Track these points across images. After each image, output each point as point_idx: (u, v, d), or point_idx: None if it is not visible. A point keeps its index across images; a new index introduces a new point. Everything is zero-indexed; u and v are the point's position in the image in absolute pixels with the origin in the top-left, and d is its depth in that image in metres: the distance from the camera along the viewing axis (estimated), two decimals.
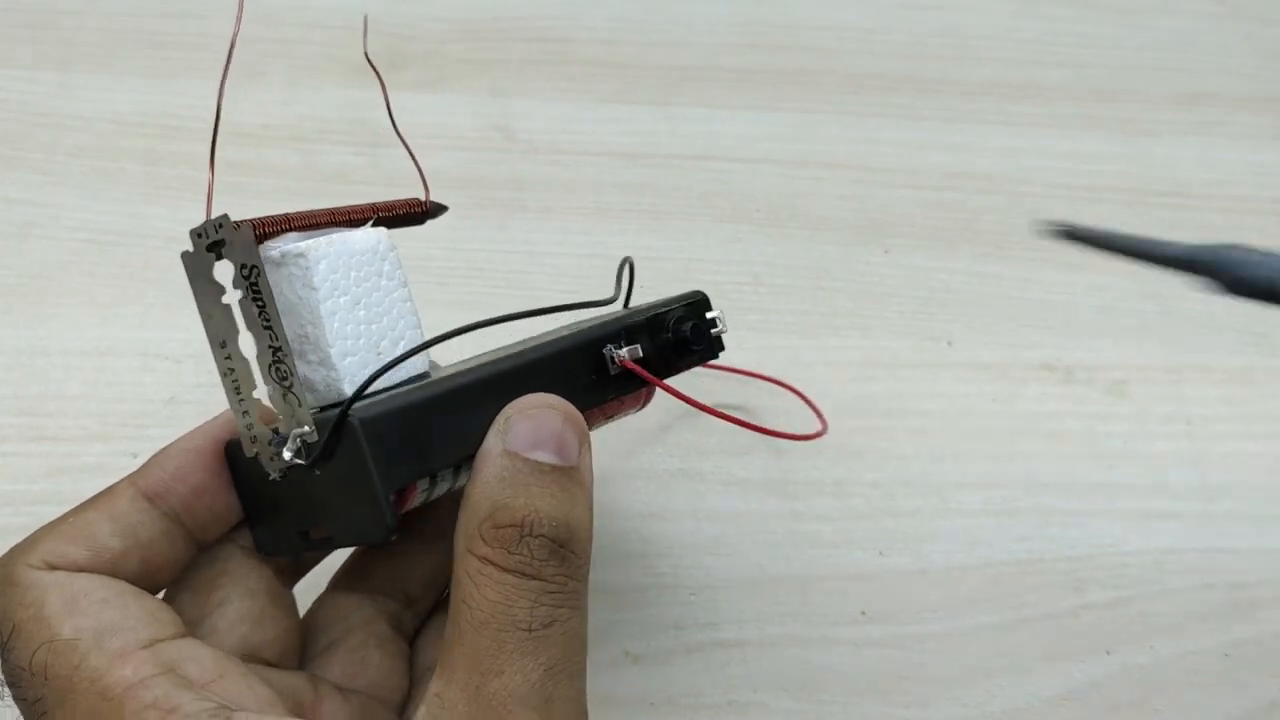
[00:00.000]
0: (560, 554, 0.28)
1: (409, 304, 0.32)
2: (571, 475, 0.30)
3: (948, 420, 0.45)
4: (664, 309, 0.35)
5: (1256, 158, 0.55)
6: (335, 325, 0.30)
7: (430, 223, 0.49)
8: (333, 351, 0.30)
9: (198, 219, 0.50)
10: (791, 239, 0.49)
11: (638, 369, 0.34)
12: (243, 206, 0.49)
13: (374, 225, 0.33)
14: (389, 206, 0.34)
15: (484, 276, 0.47)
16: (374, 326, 0.31)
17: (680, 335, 0.35)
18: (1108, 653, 0.40)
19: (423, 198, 0.35)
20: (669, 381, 0.34)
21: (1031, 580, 0.42)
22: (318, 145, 0.50)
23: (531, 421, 0.30)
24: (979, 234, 0.50)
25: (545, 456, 0.30)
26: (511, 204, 0.50)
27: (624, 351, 0.34)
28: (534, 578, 0.28)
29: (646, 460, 0.43)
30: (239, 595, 0.31)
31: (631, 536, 0.42)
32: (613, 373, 0.33)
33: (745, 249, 0.48)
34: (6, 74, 0.52)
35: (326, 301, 0.30)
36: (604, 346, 0.33)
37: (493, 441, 0.30)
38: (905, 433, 0.45)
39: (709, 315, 0.36)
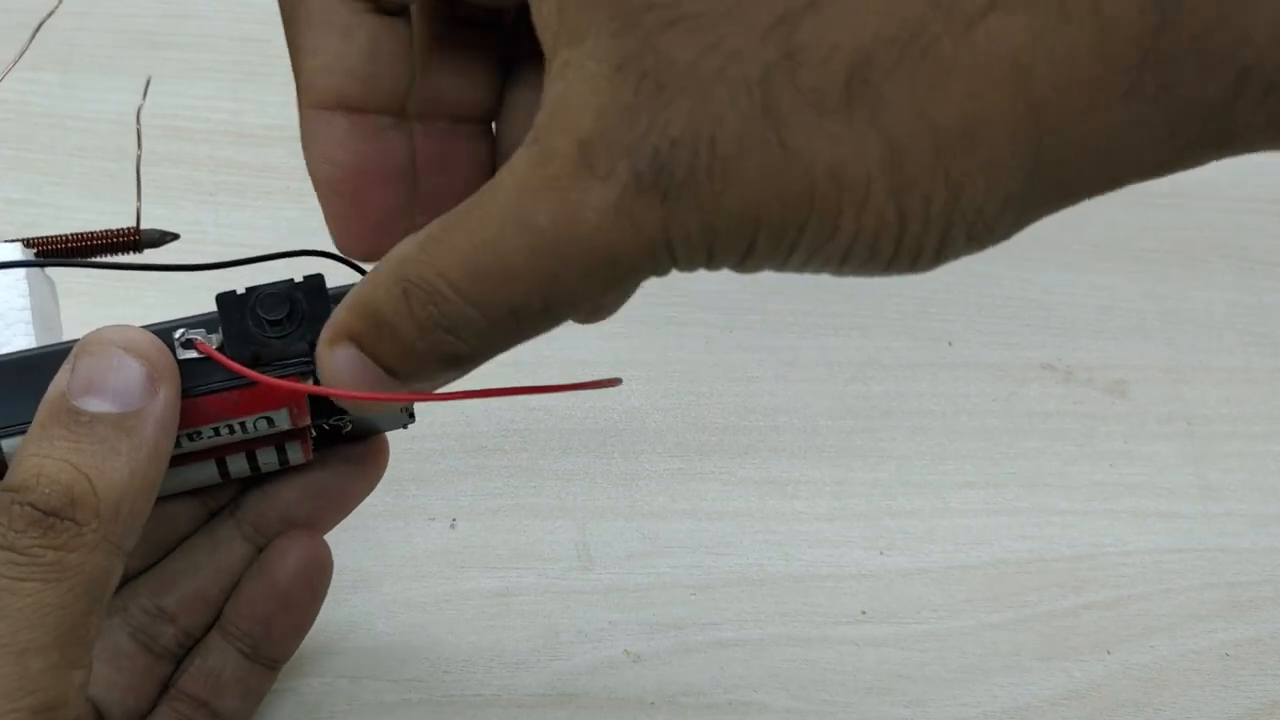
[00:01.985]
0: (46, 523, 0.26)
1: (25, 311, 0.33)
2: (119, 424, 0.27)
3: (948, 420, 0.45)
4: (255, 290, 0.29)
5: (1258, 159, 0.55)
6: None
7: None
8: None
9: (198, 219, 0.50)
10: None
11: (210, 350, 0.28)
12: (245, 207, 0.49)
13: (23, 244, 0.35)
14: (91, 236, 0.35)
15: None
16: None
17: (261, 319, 0.29)
18: (1108, 653, 0.40)
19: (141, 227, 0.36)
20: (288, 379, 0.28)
21: (1031, 580, 0.42)
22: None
23: (90, 358, 0.27)
24: None
25: (90, 403, 0.27)
26: None
27: (201, 334, 0.29)
28: (5, 548, 0.26)
29: (647, 460, 0.43)
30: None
31: (631, 536, 0.42)
32: (180, 357, 0.29)
33: None
34: (7, 74, 0.52)
35: None
36: (176, 330, 0.29)
37: (56, 380, 0.27)
38: (905, 433, 0.45)
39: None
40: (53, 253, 0.35)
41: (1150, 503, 0.44)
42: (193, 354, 0.29)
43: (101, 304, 0.45)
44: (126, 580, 0.34)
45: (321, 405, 0.31)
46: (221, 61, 0.53)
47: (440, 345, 0.24)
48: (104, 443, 0.27)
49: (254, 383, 0.28)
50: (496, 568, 0.41)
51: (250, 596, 0.34)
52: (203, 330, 0.29)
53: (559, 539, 0.42)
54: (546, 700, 0.39)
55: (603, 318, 0.29)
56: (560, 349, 0.46)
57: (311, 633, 0.35)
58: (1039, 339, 0.47)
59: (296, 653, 0.35)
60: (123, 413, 0.27)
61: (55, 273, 0.37)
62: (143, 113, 0.51)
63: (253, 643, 0.34)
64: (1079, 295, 0.48)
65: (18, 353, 0.31)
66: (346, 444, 0.34)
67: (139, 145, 0.37)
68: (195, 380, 0.29)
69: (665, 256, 0.22)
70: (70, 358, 0.28)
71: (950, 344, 0.47)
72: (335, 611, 0.39)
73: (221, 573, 0.34)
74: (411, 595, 0.40)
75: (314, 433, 0.33)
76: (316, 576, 0.34)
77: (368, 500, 0.35)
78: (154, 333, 0.29)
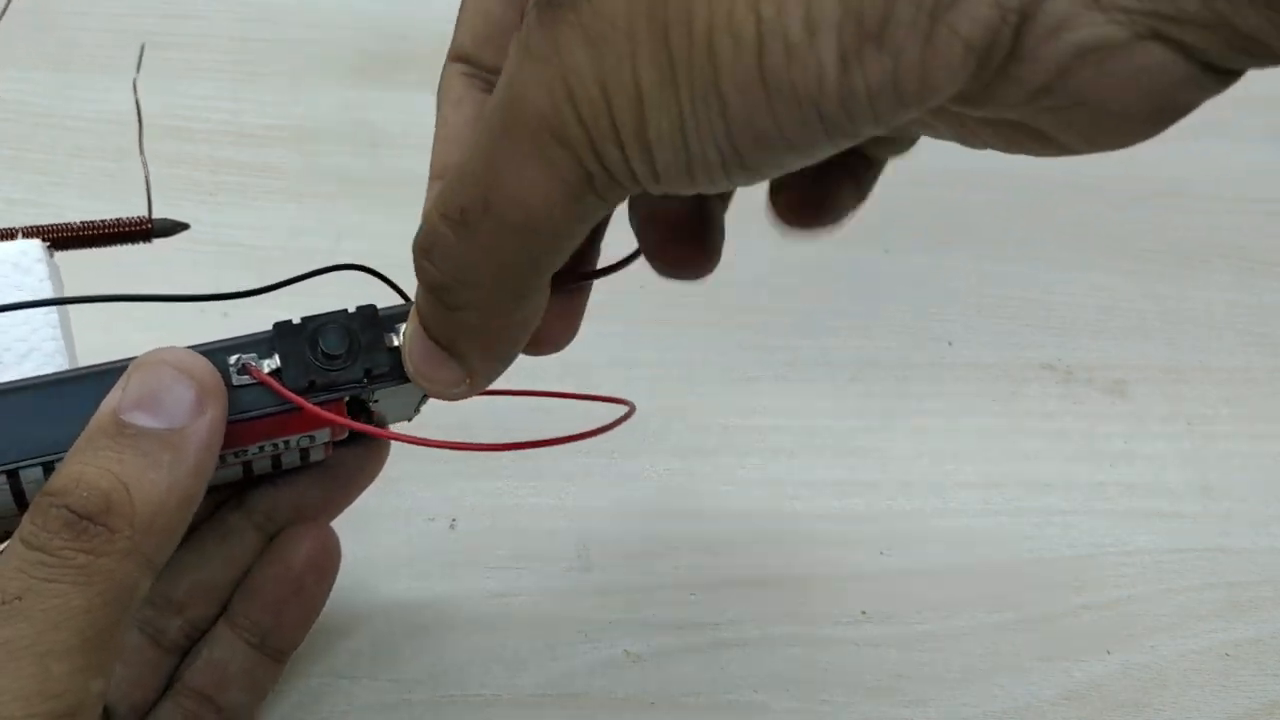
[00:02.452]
0: (79, 526, 0.26)
1: (52, 314, 0.32)
2: (164, 440, 0.27)
3: (948, 420, 0.45)
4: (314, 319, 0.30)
5: (1259, 159, 0.55)
6: None
7: None
8: None
9: (198, 219, 0.50)
10: (792, 239, 0.49)
11: (264, 377, 0.29)
12: (245, 207, 0.49)
13: (40, 240, 0.34)
14: (104, 225, 0.35)
15: None
16: None
17: (319, 347, 0.30)
18: (1108, 653, 0.40)
19: (153, 215, 0.36)
20: (332, 409, 0.29)
21: (1031, 580, 0.42)
22: (318, 145, 0.50)
23: (143, 376, 0.28)
24: (979, 234, 0.50)
25: (138, 418, 0.27)
26: None
27: (254, 359, 0.30)
28: (36, 548, 0.26)
29: (647, 461, 0.43)
30: None
31: (631, 536, 0.42)
32: (235, 383, 0.29)
33: (745, 249, 0.48)
34: (6, 74, 0.52)
35: None
36: (231, 355, 0.30)
37: (109, 396, 0.28)
38: (905, 433, 0.45)
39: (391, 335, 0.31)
40: (64, 241, 0.35)
41: (1150, 503, 0.44)
42: (248, 379, 0.30)
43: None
44: None
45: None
46: (221, 61, 0.53)
47: (421, 274, 0.26)
48: (147, 456, 0.27)
49: (316, 415, 0.29)
50: (496, 568, 0.41)
51: (261, 583, 0.34)
52: (254, 355, 0.30)
53: (559, 539, 0.42)
54: (546, 700, 0.39)
55: (559, 343, 0.32)
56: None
57: (312, 632, 0.35)
58: (1039, 339, 0.47)
59: (296, 653, 0.35)
60: (168, 429, 0.27)
61: (65, 263, 0.36)
62: (143, 112, 0.51)
63: (261, 633, 0.34)
64: (1079, 295, 0.48)
65: (56, 374, 0.31)
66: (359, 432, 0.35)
67: (140, 123, 0.37)
68: (247, 402, 0.30)
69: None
70: (124, 375, 0.28)
71: (950, 344, 0.47)
72: (335, 611, 0.39)
73: (230, 563, 0.34)
74: (411, 595, 0.40)
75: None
76: (327, 563, 0.35)
77: (368, 500, 0.35)
78: (206, 351, 0.30)
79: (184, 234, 0.48)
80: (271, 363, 0.30)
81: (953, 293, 0.48)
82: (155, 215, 0.38)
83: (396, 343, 0.31)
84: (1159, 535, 0.43)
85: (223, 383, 0.29)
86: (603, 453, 0.43)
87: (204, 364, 0.29)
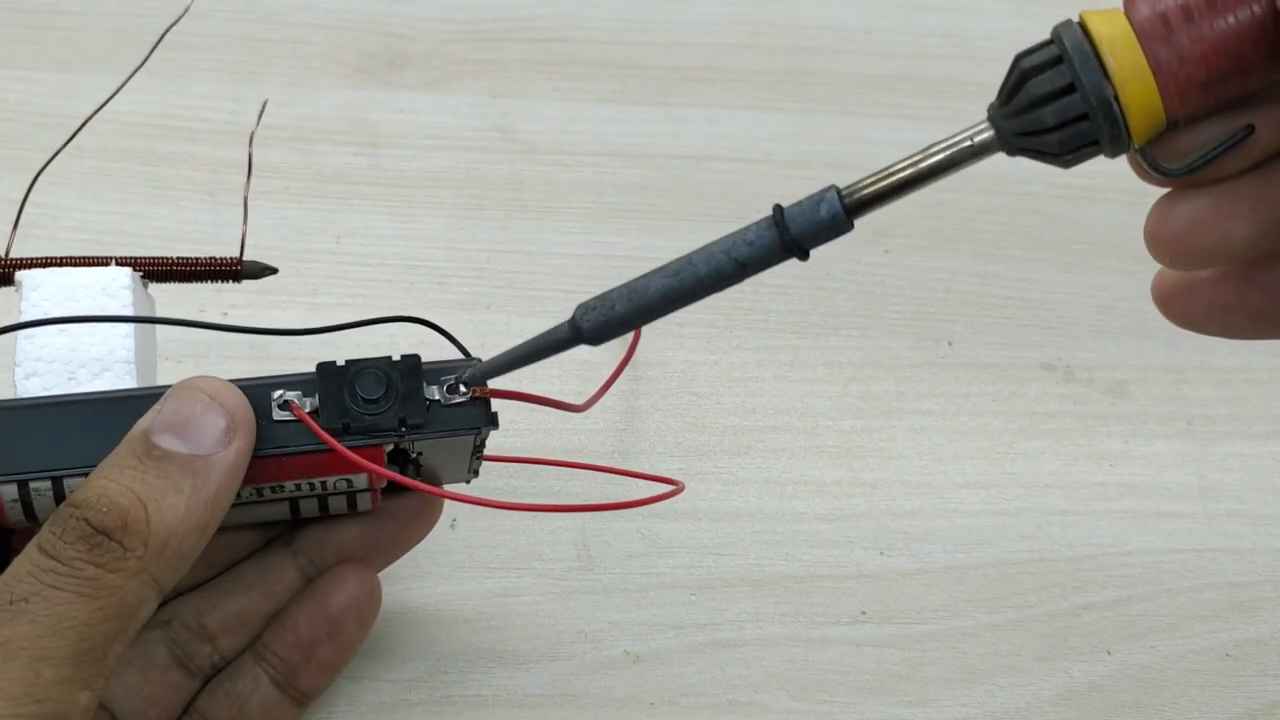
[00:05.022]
0: (94, 539, 0.27)
1: (129, 339, 0.33)
2: (187, 465, 0.28)
3: (948, 420, 0.45)
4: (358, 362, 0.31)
5: None
6: (26, 346, 0.33)
7: (430, 223, 0.49)
8: (17, 371, 0.33)
9: (198, 219, 0.50)
10: None
11: (303, 415, 0.30)
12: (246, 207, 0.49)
13: (133, 270, 0.36)
14: (196, 262, 0.37)
15: (484, 277, 0.47)
16: (75, 354, 0.33)
17: (357, 395, 0.30)
18: (1108, 653, 0.40)
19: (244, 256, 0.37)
20: (366, 458, 0.30)
21: (1031, 580, 0.42)
22: (318, 145, 0.50)
23: (177, 401, 0.29)
24: (979, 234, 0.50)
25: (166, 440, 0.28)
26: (511, 204, 0.50)
27: (297, 396, 0.30)
28: (50, 555, 0.27)
29: (647, 461, 0.43)
30: None
31: (631, 536, 0.42)
32: (276, 418, 0.30)
33: None
34: (7, 74, 0.52)
35: (30, 311, 0.34)
36: (275, 390, 0.30)
37: (144, 417, 0.29)
38: (905, 433, 0.45)
39: (436, 385, 0.31)
40: (156, 274, 0.36)
41: (1150, 503, 0.44)
42: (288, 416, 0.30)
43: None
44: (178, 594, 0.35)
45: (395, 462, 0.33)
46: (221, 61, 0.53)
47: None
48: (169, 479, 0.28)
49: (348, 459, 0.30)
50: (496, 568, 0.41)
51: (296, 621, 0.34)
52: (299, 392, 0.30)
53: (559, 539, 0.42)
54: (546, 700, 0.39)
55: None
56: None
57: None
58: (1039, 339, 0.47)
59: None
60: (193, 454, 0.28)
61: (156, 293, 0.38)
62: (142, 112, 0.51)
63: (288, 670, 0.34)
64: (1079, 295, 0.48)
65: (108, 392, 0.31)
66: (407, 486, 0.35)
67: (249, 171, 0.37)
68: (286, 439, 0.30)
69: None
70: (162, 399, 0.29)
71: (950, 344, 0.47)
72: None
73: (268, 598, 0.34)
74: (411, 595, 0.40)
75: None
76: (366, 610, 0.35)
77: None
78: (253, 387, 0.30)
79: (184, 235, 0.48)
80: (313, 401, 0.30)
81: (953, 293, 0.48)
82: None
83: (436, 395, 0.31)
84: (1159, 535, 0.43)
85: (253, 416, 0.30)
86: (603, 453, 0.43)
87: (237, 396, 0.29)
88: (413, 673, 0.39)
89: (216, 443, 0.28)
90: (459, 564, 0.41)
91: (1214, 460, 0.45)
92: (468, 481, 0.36)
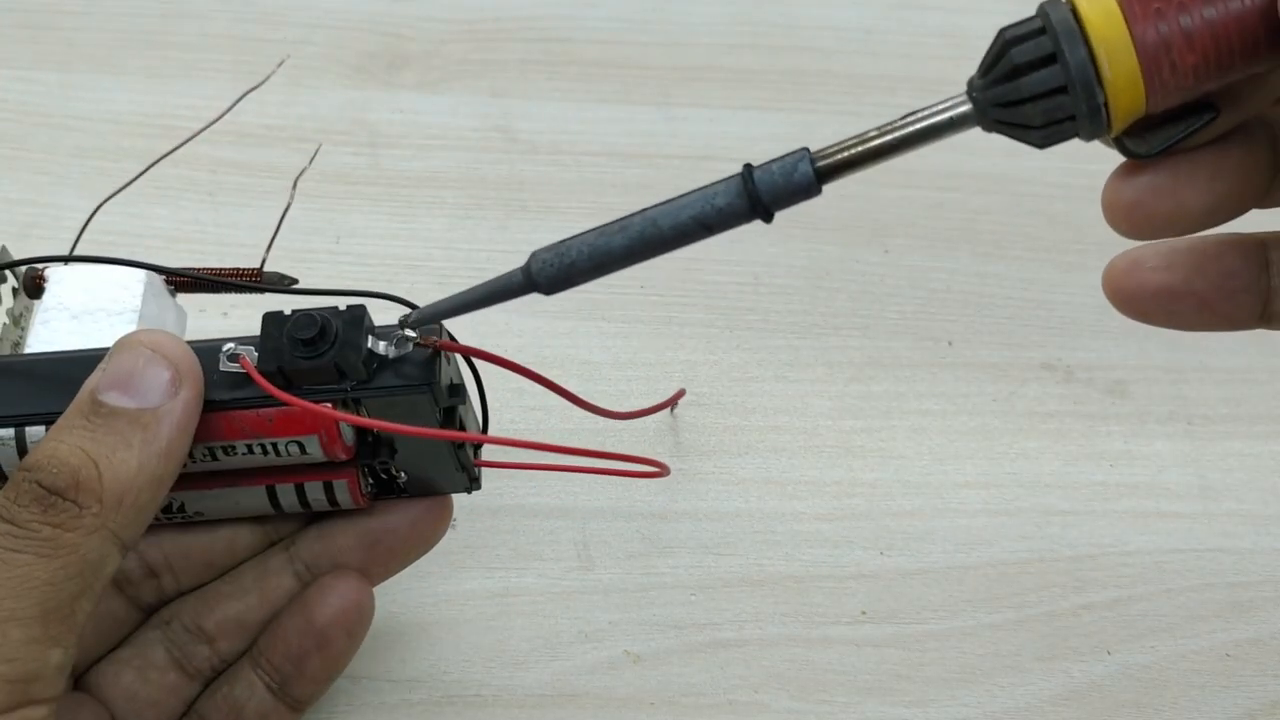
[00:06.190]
0: (48, 500, 0.27)
1: (135, 299, 0.36)
2: (135, 419, 0.28)
3: (947, 420, 0.45)
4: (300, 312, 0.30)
5: None
6: (41, 331, 0.35)
7: (430, 223, 0.49)
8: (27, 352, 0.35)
9: (198, 219, 0.50)
10: (791, 239, 0.49)
11: (249, 366, 0.29)
12: (245, 207, 0.49)
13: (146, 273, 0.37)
14: (220, 272, 0.37)
15: (484, 276, 0.47)
16: (85, 340, 0.34)
17: (292, 339, 0.30)
18: (1108, 653, 0.40)
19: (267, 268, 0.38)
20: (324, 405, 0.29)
21: (1031, 580, 0.42)
22: (318, 145, 0.50)
23: (120, 357, 0.29)
24: (979, 234, 0.50)
25: (112, 397, 0.28)
26: (511, 204, 0.50)
27: (249, 350, 0.30)
28: (6, 520, 0.27)
29: None
30: None
31: (631, 536, 0.42)
32: (224, 368, 0.30)
33: (745, 249, 0.48)
34: (6, 74, 0.52)
35: (46, 312, 0.36)
36: (226, 344, 0.30)
37: (90, 377, 0.29)
38: (905, 433, 0.45)
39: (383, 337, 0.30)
40: (183, 285, 0.37)
41: (1150, 503, 0.44)
42: (235, 367, 0.30)
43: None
44: (177, 595, 0.35)
45: (366, 447, 0.32)
46: (221, 61, 0.53)
47: None
48: (118, 435, 0.27)
49: (284, 402, 0.29)
50: (496, 568, 0.41)
51: (286, 631, 0.34)
52: (251, 348, 0.30)
53: (559, 539, 0.42)
54: (546, 700, 0.39)
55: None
56: (562, 348, 0.46)
57: None
58: (1039, 339, 0.47)
59: None
60: (140, 408, 0.28)
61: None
62: (142, 112, 0.51)
63: (281, 679, 0.34)
64: (1079, 295, 0.48)
65: (71, 351, 0.32)
66: (408, 499, 0.35)
67: (291, 197, 0.38)
68: (234, 394, 0.30)
69: None
70: (106, 356, 0.29)
71: (950, 344, 0.47)
72: None
73: (264, 602, 0.34)
74: (411, 595, 0.40)
75: (371, 483, 0.34)
76: (355, 621, 0.34)
77: None
78: (205, 347, 0.30)
79: (184, 235, 0.48)
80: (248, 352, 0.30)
81: (953, 293, 0.48)
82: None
83: (383, 349, 0.30)
84: (1159, 535, 0.43)
85: (199, 367, 0.29)
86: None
87: (180, 346, 0.29)
88: (413, 673, 0.39)
89: (163, 395, 0.28)
90: (459, 564, 0.41)
91: (1214, 460, 0.45)
92: (469, 491, 0.35)
